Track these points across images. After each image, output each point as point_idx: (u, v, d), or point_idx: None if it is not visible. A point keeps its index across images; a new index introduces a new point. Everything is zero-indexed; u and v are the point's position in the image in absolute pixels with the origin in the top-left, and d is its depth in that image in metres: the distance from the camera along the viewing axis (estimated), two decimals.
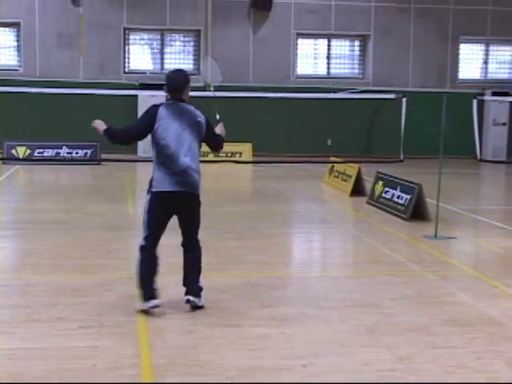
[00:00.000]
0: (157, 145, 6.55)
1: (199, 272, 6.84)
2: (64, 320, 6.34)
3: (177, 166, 6.49)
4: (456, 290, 7.80)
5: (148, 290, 6.55)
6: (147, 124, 6.57)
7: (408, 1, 25.32)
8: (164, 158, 6.52)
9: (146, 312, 6.52)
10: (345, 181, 15.81)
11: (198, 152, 6.69)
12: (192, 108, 6.70)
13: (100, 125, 6.71)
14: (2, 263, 8.72)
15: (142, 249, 6.68)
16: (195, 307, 6.69)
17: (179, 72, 6.89)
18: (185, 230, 6.79)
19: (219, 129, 7.15)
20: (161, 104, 6.68)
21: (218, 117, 7.41)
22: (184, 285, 6.79)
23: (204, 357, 5.57)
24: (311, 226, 12.13)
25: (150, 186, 6.62)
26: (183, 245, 6.85)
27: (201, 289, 6.77)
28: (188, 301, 6.66)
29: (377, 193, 13.80)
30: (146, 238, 6.67)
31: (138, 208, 13.85)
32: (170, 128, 6.51)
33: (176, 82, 6.71)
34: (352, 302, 7.19)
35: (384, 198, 13.38)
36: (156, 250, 6.68)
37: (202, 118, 6.69)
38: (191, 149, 6.58)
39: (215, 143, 7.03)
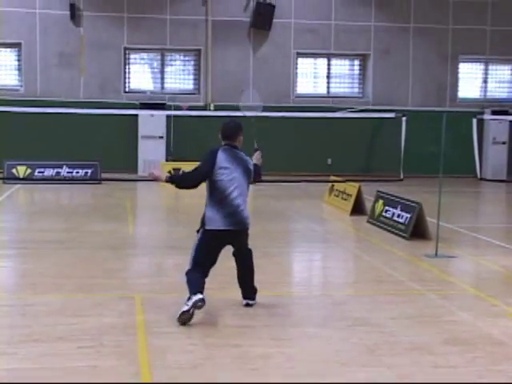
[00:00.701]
0: (214, 185, 7.15)
1: (253, 273, 7.58)
2: (64, 340, 6.33)
3: (230, 207, 7.13)
4: (457, 308, 7.78)
5: (196, 286, 6.89)
6: (211, 167, 7.13)
7: (407, 20, 25.44)
8: (219, 198, 7.13)
9: (186, 315, 6.69)
10: (345, 200, 15.82)
11: (247, 193, 7.39)
12: (244, 155, 7.40)
13: (159, 177, 7.27)
14: (2, 283, 8.71)
15: (189, 271, 7.15)
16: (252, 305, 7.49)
17: (233, 121, 7.60)
18: (236, 249, 7.50)
19: (256, 157, 7.73)
20: (218, 148, 7.28)
21: (256, 145, 7.97)
22: (241, 287, 7.57)
23: (204, 376, 5.55)
24: (311, 245, 12.12)
25: (203, 223, 7.16)
26: (234, 254, 7.51)
27: (256, 290, 7.59)
28: (247, 304, 7.49)
29: (377, 212, 13.80)
30: (190, 269, 7.16)
31: (138, 227, 13.88)
32: (227, 172, 7.14)
33: (231, 130, 7.41)
34: (353, 321, 7.17)
35: (384, 216, 13.38)
36: (203, 279, 7.11)
37: (251, 164, 7.45)
38: (243, 192, 7.29)
39: (255, 176, 7.58)
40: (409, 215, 12.36)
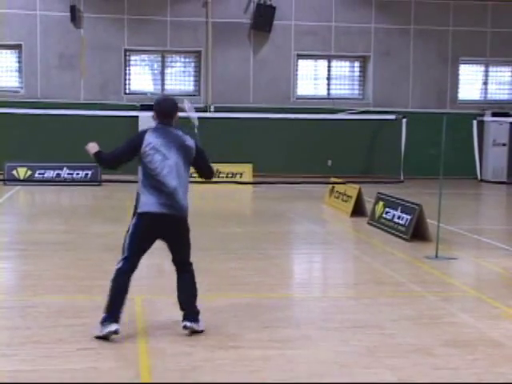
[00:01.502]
0: (144, 167, 6.53)
1: (195, 296, 6.71)
2: (64, 342, 6.32)
3: (164, 189, 6.45)
4: (457, 310, 7.77)
5: (115, 313, 6.41)
6: (133, 147, 6.55)
7: (408, 22, 25.46)
8: (151, 180, 6.49)
9: (102, 338, 6.33)
10: (345, 201, 15.81)
11: (186, 176, 6.64)
12: (180, 132, 6.67)
13: (92, 147, 6.69)
14: (2, 284, 8.70)
15: (119, 271, 6.54)
16: (194, 332, 6.57)
17: (169, 98, 6.95)
18: (174, 253, 6.73)
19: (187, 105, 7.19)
20: (148, 129, 6.62)
21: (186, 103, 7.39)
22: (181, 309, 6.67)
23: (204, 379, 5.54)
24: (312, 246, 12.11)
25: (136, 208, 6.60)
26: (175, 264, 6.77)
27: (198, 313, 6.65)
28: (185, 327, 6.53)
29: (377, 213, 13.79)
30: (124, 260, 6.57)
31: None
32: (157, 151, 6.46)
33: (166, 108, 6.69)
34: (353, 322, 7.16)
35: (385, 218, 13.37)
36: (132, 274, 6.58)
37: (190, 141, 6.66)
38: (179, 172, 6.52)
39: (206, 169, 6.95)
40: (409, 217, 12.35)
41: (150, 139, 6.48)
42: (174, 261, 6.76)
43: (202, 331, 6.61)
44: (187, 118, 7.72)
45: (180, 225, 6.60)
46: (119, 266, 6.57)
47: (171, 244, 6.68)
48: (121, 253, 6.66)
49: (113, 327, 6.32)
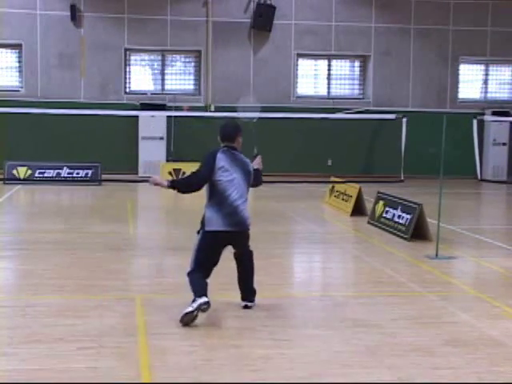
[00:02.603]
0: (213, 187, 7.13)
1: (253, 275, 7.58)
2: (64, 341, 6.32)
3: (230, 208, 7.11)
4: (457, 310, 7.78)
5: (201, 291, 6.89)
6: (210, 170, 7.12)
7: (408, 22, 25.45)
8: (218, 198, 7.12)
9: (190, 316, 6.70)
10: (345, 201, 15.82)
11: (247, 194, 7.36)
12: (244, 157, 7.41)
13: (161, 183, 7.23)
14: (2, 284, 8.71)
15: (190, 272, 7.16)
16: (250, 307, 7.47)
17: (232, 122, 7.72)
18: (237, 251, 7.52)
19: (256, 162, 7.74)
20: (217, 150, 7.27)
21: (255, 150, 7.97)
22: (240, 289, 7.55)
23: (204, 378, 5.54)
24: (312, 246, 12.11)
25: (203, 225, 7.15)
26: (235, 257, 7.54)
27: (255, 292, 7.55)
28: (246, 306, 7.46)
29: (377, 213, 13.79)
30: (192, 270, 7.17)
31: (138, 228, 13.88)
32: (227, 174, 7.13)
33: (230, 131, 7.41)
34: (353, 322, 7.16)
35: (385, 218, 13.38)
36: (205, 279, 7.15)
37: (251, 166, 7.45)
38: (243, 193, 7.26)
39: (255, 180, 7.61)
40: (409, 216, 12.35)
41: (222, 162, 7.17)
42: (236, 252, 7.54)
43: (253, 305, 7.51)
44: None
45: (244, 237, 7.44)
46: (188, 270, 7.21)
47: (235, 247, 7.48)
48: (190, 265, 7.21)
49: (203, 299, 6.78)
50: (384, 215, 13.43)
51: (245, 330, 6.78)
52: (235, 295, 7.65)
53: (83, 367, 5.70)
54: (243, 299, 7.53)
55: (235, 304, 7.64)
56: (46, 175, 20.94)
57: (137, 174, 23.24)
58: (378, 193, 14.36)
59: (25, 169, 20.91)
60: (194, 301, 6.81)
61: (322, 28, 25.16)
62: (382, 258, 10.64)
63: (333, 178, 18.06)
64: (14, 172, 20.76)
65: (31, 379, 5.44)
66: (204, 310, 6.81)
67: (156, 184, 7.24)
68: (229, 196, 7.12)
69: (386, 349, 6.33)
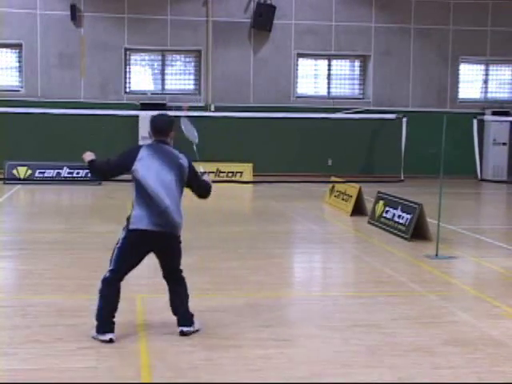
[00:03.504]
0: (137, 183, 6.49)
1: (187, 301, 6.73)
2: (64, 341, 6.32)
3: (156, 206, 6.40)
4: (457, 309, 7.77)
5: (105, 323, 6.35)
6: (126, 162, 6.54)
7: (408, 21, 25.45)
8: (144, 197, 6.45)
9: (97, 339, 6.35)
10: (345, 201, 15.82)
11: (179, 194, 6.61)
12: (174, 150, 6.68)
13: (88, 156, 6.69)
14: (2, 284, 8.71)
15: (105, 281, 6.51)
16: (189, 334, 6.59)
17: (164, 115, 6.98)
18: (165, 265, 6.73)
19: (206, 178, 7.04)
20: (143, 145, 6.63)
21: (202, 169, 7.20)
22: (174, 314, 6.67)
23: (204, 378, 5.54)
24: (312, 245, 12.11)
25: (128, 223, 6.51)
26: (164, 277, 6.77)
27: (192, 315, 6.67)
28: (182, 332, 6.55)
29: (377, 213, 13.79)
30: (111, 271, 6.52)
31: None
32: (150, 168, 6.44)
33: (161, 124, 6.70)
34: (353, 322, 7.16)
35: (385, 217, 13.37)
36: (120, 283, 6.55)
37: (184, 160, 6.65)
38: (172, 190, 6.50)
39: (200, 188, 6.91)
40: (409, 216, 12.35)
41: (145, 156, 6.47)
42: (164, 271, 6.75)
43: (198, 330, 6.63)
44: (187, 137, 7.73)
45: (171, 241, 6.61)
46: (105, 276, 6.56)
47: (161, 257, 6.69)
48: (108, 263, 6.59)
49: (107, 337, 6.29)
50: (384, 215, 13.43)
51: (244, 330, 6.78)
52: (235, 295, 7.64)
53: (83, 367, 5.70)
54: (179, 324, 6.63)
55: (235, 304, 7.64)
56: (46, 175, 20.95)
57: None
58: (378, 193, 14.36)
59: (25, 169, 20.91)
60: (99, 330, 6.33)
61: (322, 28, 25.15)
62: (382, 258, 10.64)
63: (333, 178, 18.06)
64: (14, 172, 20.76)
65: (31, 379, 5.44)
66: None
67: (83, 157, 6.70)
68: (156, 194, 6.41)
69: (386, 349, 6.33)
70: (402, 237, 12.28)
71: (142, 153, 6.49)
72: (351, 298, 8.37)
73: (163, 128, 6.68)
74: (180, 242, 6.68)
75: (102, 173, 6.85)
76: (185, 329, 6.56)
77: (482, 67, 26.84)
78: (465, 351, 6.31)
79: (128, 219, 6.52)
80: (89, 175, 20.87)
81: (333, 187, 17.13)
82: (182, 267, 6.73)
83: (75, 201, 18.34)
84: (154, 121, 6.72)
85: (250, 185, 22.09)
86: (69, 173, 21.13)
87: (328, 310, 7.69)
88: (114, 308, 6.46)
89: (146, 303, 7.70)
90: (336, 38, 25.28)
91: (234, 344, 6.36)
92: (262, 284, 8.81)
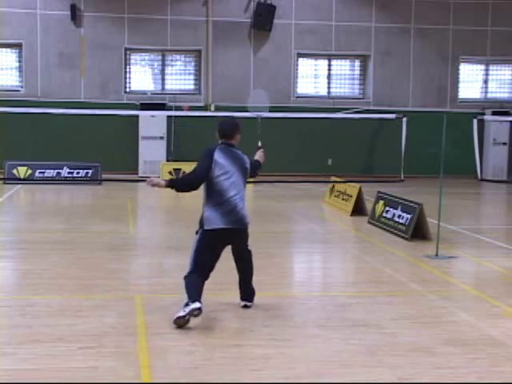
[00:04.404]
0: (211, 185, 7.07)
1: (251, 277, 7.59)
2: (64, 340, 6.33)
3: (229, 206, 7.05)
4: (457, 309, 7.78)
5: (195, 296, 6.79)
6: (208, 167, 7.06)
7: (408, 21, 25.45)
8: (216, 197, 7.05)
9: (182, 320, 6.65)
10: (345, 200, 15.82)
11: (244, 190, 7.33)
12: (241, 154, 7.40)
13: (159, 183, 7.13)
14: (2, 283, 8.70)
15: (188, 275, 7.05)
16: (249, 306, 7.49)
17: (231, 120, 7.74)
18: (237, 252, 7.49)
19: (259, 155, 7.99)
20: (215, 147, 7.21)
21: (259, 144, 8.02)
22: (240, 289, 7.57)
23: (205, 377, 5.54)
24: (312, 245, 12.11)
25: (201, 224, 7.09)
26: (234, 255, 7.49)
27: (254, 292, 7.57)
28: (245, 306, 7.48)
29: (378, 212, 13.79)
30: (190, 273, 7.06)
31: (138, 228, 13.88)
32: (224, 171, 7.07)
33: (227, 128, 7.42)
34: (353, 321, 7.16)
35: (385, 217, 13.38)
36: (203, 280, 7.07)
37: (248, 163, 7.42)
38: (240, 190, 7.21)
39: (253, 171, 7.65)
40: (409, 216, 12.35)
41: (219, 159, 7.11)
42: (235, 253, 7.50)
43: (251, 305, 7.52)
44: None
45: (243, 234, 7.37)
46: (186, 274, 7.09)
47: (235, 247, 7.44)
48: (188, 267, 7.10)
49: (196, 304, 6.70)
50: (384, 215, 13.44)
51: (245, 330, 6.78)
52: (235, 295, 7.65)
53: (83, 367, 5.70)
54: (242, 299, 7.56)
55: (235, 304, 7.64)
56: (46, 175, 20.95)
57: (137, 173, 23.23)
58: (378, 192, 14.36)
59: (25, 168, 20.91)
60: (186, 304, 6.75)
61: (322, 28, 25.16)
62: (382, 258, 10.64)
63: (333, 178, 18.06)
64: (14, 172, 20.76)
65: (31, 379, 5.44)
66: (196, 315, 6.71)
67: (153, 185, 7.12)
68: (227, 194, 7.06)
69: (386, 348, 6.33)
70: (402, 237, 12.28)
71: (217, 157, 7.12)
72: (351, 297, 8.37)
73: (230, 132, 7.41)
74: (248, 233, 7.43)
75: (191, 186, 7.14)
76: (248, 303, 7.51)
77: (482, 67, 26.84)
78: (465, 351, 6.31)
79: (201, 221, 7.11)
80: (89, 175, 20.91)
81: (333, 187, 17.14)
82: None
83: (75, 201, 18.34)
84: (221, 125, 7.45)
85: (249, 185, 22.04)
86: (69, 173, 21.14)
87: (328, 310, 7.69)
88: (199, 287, 6.94)
89: (146, 303, 7.70)
90: (336, 37, 25.28)
91: (234, 344, 6.36)
92: (262, 284, 8.80)
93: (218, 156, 7.12)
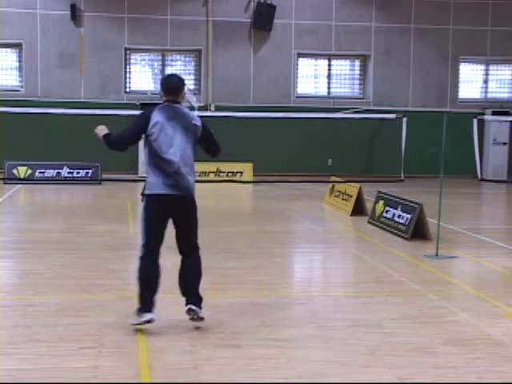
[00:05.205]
0: (149, 146, 6.56)
1: (199, 278, 6.78)
2: (64, 340, 6.32)
3: (169, 169, 6.47)
4: (457, 309, 7.77)
5: (143, 303, 6.49)
6: (141, 127, 6.60)
7: (408, 21, 25.45)
8: (156, 160, 6.51)
9: (139, 328, 6.50)
10: (345, 200, 15.81)
11: (192, 155, 6.66)
12: (188, 111, 6.77)
13: (101, 130, 6.86)
14: (2, 283, 8.70)
15: (142, 258, 6.63)
16: (196, 318, 6.65)
17: (175, 75, 7.06)
18: (182, 235, 6.73)
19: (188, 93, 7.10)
20: (153, 108, 6.68)
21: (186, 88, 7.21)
22: (183, 294, 6.72)
23: (204, 377, 5.54)
24: (312, 245, 12.11)
25: (144, 189, 6.62)
26: (181, 251, 6.79)
27: (201, 298, 6.72)
28: (190, 310, 6.58)
29: (377, 212, 13.79)
30: (145, 246, 6.61)
31: (138, 228, 13.86)
32: (164, 131, 6.50)
33: (172, 84, 6.79)
34: (353, 321, 7.16)
35: (385, 217, 13.37)
36: (157, 258, 6.63)
37: (197, 120, 6.72)
38: (185, 151, 6.55)
39: (211, 149, 6.99)
40: (409, 216, 12.35)
41: (157, 118, 6.53)
42: (181, 244, 6.76)
43: (203, 318, 6.66)
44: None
45: (187, 204, 6.63)
46: (140, 254, 6.65)
47: (179, 223, 6.68)
48: (141, 240, 6.69)
49: (147, 317, 6.43)
50: (384, 215, 13.43)
51: (244, 329, 6.77)
52: (235, 295, 7.64)
53: (83, 367, 5.70)
54: (187, 303, 6.67)
55: (235, 304, 7.64)
56: (46, 175, 20.97)
57: (137, 173, 23.22)
58: (378, 192, 14.35)
59: (25, 168, 20.93)
60: (139, 311, 6.48)
61: (322, 27, 25.16)
62: (382, 258, 10.64)
63: (333, 178, 18.06)
64: (14, 172, 20.77)
65: (31, 379, 5.44)
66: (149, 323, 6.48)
67: (97, 134, 6.88)
68: (168, 156, 6.47)
69: (386, 348, 6.33)
70: (402, 236, 12.28)
71: (156, 116, 6.54)
72: (351, 297, 8.38)
73: (176, 87, 6.77)
74: (196, 209, 6.73)
75: (120, 144, 6.83)
76: (193, 307, 6.59)
77: (482, 67, 26.84)
78: (465, 351, 6.31)
79: (144, 186, 6.62)
80: (89, 175, 20.91)
81: (333, 187, 17.13)
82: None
83: (75, 200, 18.34)
84: (165, 81, 6.84)
85: (250, 185, 22.09)
86: (69, 173, 21.15)
87: (328, 310, 7.69)
88: (152, 285, 6.52)
89: None
90: (336, 37, 25.28)
91: (234, 344, 6.36)
92: (262, 283, 8.81)
93: (157, 114, 6.56)
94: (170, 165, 6.47)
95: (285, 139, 24.52)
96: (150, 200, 6.55)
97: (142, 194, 6.66)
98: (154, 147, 6.51)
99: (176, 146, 6.50)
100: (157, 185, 6.49)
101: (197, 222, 6.75)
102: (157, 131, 6.49)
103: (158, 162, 6.50)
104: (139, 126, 6.64)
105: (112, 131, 6.97)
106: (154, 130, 6.50)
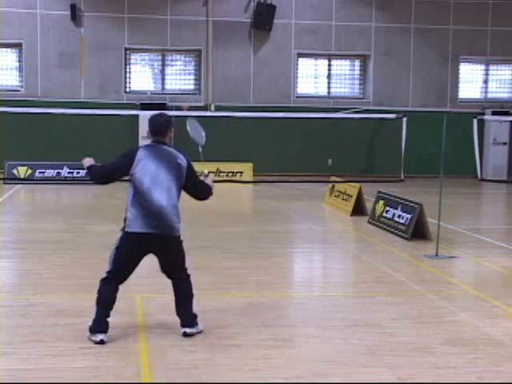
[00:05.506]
0: (133, 184, 6.39)
1: (191, 299, 6.65)
2: (64, 340, 6.32)
3: (152, 207, 6.28)
4: (457, 309, 7.77)
5: (97, 323, 6.31)
6: (124, 164, 6.44)
7: (408, 21, 25.45)
8: (140, 198, 6.32)
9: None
10: (345, 200, 15.81)
11: (177, 194, 6.48)
12: (173, 150, 6.58)
13: (87, 162, 6.69)
14: (2, 283, 8.70)
15: (104, 282, 6.46)
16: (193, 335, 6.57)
17: (162, 115, 6.84)
18: (167, 269, 6.63)
19: (208, 180, 6.99)
20: (139, 147, 6.56)
21: (206, 171, 7.12)
22: (177, 315, 6.62)
23: (204, 377, 5.55)
24: (312, 245, 12.11)
25: (124, 225, 6.39)
26: (169, 277, 6.67)
27: (195, 316, 6.61)
28: (185, 333, 6.48)
29: (377, 212, 13.79)
30: (110, 273, 6.45)
31: None
32: (147, 169, 6.34)
33: (158, 124, 6.61)
34: (353, 321, 7.16)
35: (385, 217, 13.37)
36: (118, 285, 6.49)
37: (183, 160, 6.54)
38: (169, 191, 6.37)
39: (197, 191, 6.81)
40: (409, 216, 12.35)
41: (141, 156, 6.38)
42: (167, 274, 6.66)
43: (201, 332, 6.61)
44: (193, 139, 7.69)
45: (169, 244, 6.46)
46: (103, 276, 6.50)
47: (160, 259, 6.58)
48: (107, 265, 6.50)
49: (98, 337, 6.23)
50: (384, 215, 13.43)
51: (245, 330, 6.77)
52: (235, 295, 7.64)
53: (83, 367, 5.71)
54: (182, 325, 6.55)
55: (235, 304, 7.64)
56: (46, 175, 20.96)
57: None
58: (378, 192, 14.35)
59: (25, 168, 20.92)
60: (92, 331, 6.28)
61: (322, 27, 25.16)
62: (382, 258, 10.64)
63: (333, 178, 18.06)
64: (14, 172, 20.77)
65: (31, 379, 5.44)
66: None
67: (83, 164, 6.70)
68: (151, 195, 6.28)
69: (386, 348, 6.33)
70: (402, 236, 12.28)
71: (140, 154, 6.39)
72: (351, 297, 8.38)
73: (161, 129, 6.59)
74: (181, 242, 6.58)
75: (101, 178, 6.67)
76: (188, 330, 6.49)
77: (482, 67, 26.84)
78: (465, 351, 6.31)
79: (124, 220, 6.41)
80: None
81: (333, 187, 17.13)
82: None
83: (75, 200, 18.33)
84: (151, 121, 6.63)
85: (250, 185, 22.09)
86: (69, 173, 21.14)
87: (328, 310, 7.69)
88: (108, 307, 6.39)
89: (146, 303, 7.70)
90: (336, 37, 25.28)
91: (234, 344, 6.36)
92: (262, 283, 8.81)
93: (142, 154, 6.39)
94: (153, 204, 6.29)
95: (285, 139, 24.52)
96: (128, 237, 6.35)
97: (121, 229, 6.44)
98: (137, 185, 6.35)
99: (164, 188, 6.35)
100: (137, 221, 6.29)
101: (182, 255, 6.60)
102: (140, 170, 6.34)
103: (141, 200, 6.32)
104: (123, 163, 6.46)
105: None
106: (137, 168, 6.34)
